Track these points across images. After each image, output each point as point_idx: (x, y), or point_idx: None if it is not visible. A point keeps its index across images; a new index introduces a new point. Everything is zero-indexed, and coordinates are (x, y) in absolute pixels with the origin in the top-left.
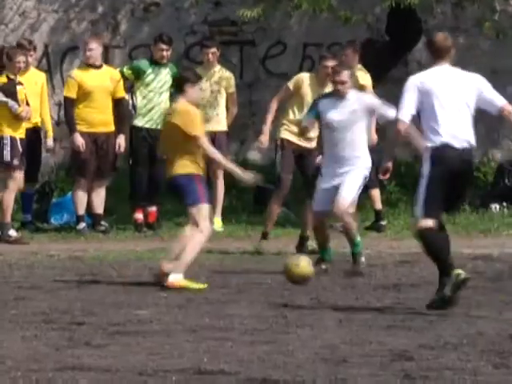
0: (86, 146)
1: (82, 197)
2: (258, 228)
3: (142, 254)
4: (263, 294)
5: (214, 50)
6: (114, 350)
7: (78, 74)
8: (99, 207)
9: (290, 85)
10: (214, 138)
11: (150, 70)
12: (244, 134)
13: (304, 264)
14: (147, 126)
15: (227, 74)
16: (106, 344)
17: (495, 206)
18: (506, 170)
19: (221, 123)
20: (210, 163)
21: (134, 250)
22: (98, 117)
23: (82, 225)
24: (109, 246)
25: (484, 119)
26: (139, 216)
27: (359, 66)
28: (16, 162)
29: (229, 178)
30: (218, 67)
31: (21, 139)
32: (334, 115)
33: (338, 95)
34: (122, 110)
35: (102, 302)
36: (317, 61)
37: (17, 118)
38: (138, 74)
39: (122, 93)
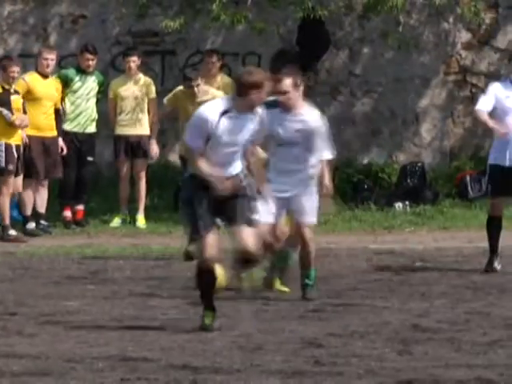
0: (35, 148)
1: (30, 197)
2: (178, 225)
3: (71, 249)
4: (184, 287)
5: (134, 58)
6: (44, 339)
7: (30, 80)
8: (42, 207)
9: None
10: (139, 141)
11: (77, 78)
12: (165, 137)
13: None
14: (75, 130)
15: (148, 80)
16: (36, 333)
17: (398, 205)
18: (408, 171)
19: (144, 127)
20: (133, 165)
21: (63, 246)
22: (45, 122)
23: (32, 225)
24: (39, 241)
25: (388, 124)
26: (68, 214)
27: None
28: (10, 167)
29: (151, 178)
30: (139, 75)
31: (17, 146)
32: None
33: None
34: (59, 117)
35: (33, 294)
36: (233, 69)
37: (11, 126)
38: (66, 82)
39: (60, 102)
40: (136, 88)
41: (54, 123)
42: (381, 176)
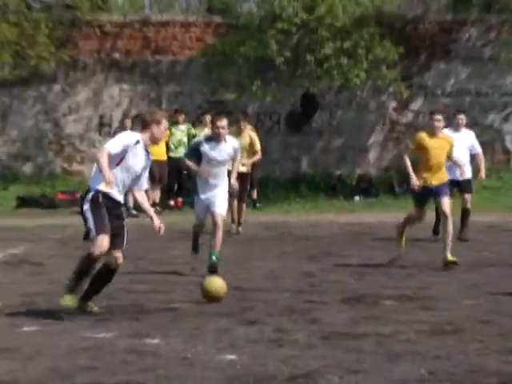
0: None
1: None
2: None
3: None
4: None
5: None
6: None
7: None
8: (157, 198)
9: None
10: None
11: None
12: None
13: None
14: (175, 155)
15: None
16: None
17: (356, 198)
18: (362, 178)
19: None
20: None
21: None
22: (159, 150)
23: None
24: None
25: (351, 152)
26: (171, 202)
27: (250, 127)
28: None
29: None
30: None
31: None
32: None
33: (217, 139)
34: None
35: None
36: (264, 121)
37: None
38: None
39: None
40: None
41: (164, 151)
42: (347, 181)
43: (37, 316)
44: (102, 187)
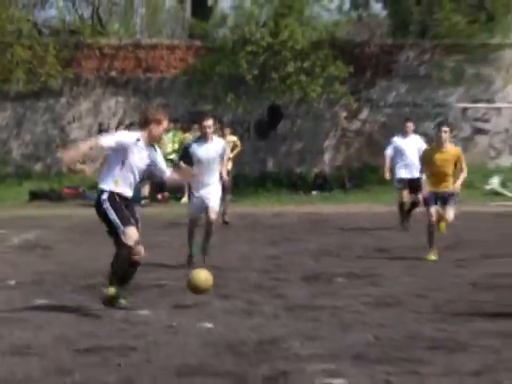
0: None
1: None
2: None
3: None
4: None
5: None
6: None
7: None
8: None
9: None
10: None
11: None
12: None
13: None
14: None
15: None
16: None
17: (314, 192)
18: (318, 175)
19: None
20: None
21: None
22: None
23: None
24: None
25: (310, 154)
26: (159, 196)
27: (230, 130)
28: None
29: None
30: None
31: None
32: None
33: (205, 138)
34: None
35: None
36: (237, 130)
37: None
38: None
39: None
40: None
41: None
42: (306, 178)
43: (46, 291)
44: (113, 187)
